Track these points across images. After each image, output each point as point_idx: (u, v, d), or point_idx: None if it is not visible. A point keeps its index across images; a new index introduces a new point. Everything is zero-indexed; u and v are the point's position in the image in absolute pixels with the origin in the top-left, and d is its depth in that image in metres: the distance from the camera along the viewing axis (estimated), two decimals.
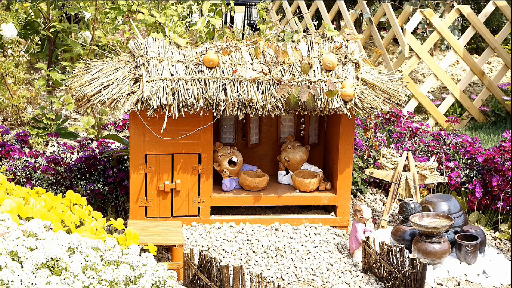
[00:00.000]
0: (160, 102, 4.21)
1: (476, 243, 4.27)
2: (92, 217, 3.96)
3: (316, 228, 4.59)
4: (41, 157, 5.20)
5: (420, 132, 5.90)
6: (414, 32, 8.82)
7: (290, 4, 9.47)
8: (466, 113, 7.49)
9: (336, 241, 4.46)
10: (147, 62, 4.35)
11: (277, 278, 4.12)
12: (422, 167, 4.82)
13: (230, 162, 4.68)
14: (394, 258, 3.98)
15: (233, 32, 5.24)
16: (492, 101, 7.51)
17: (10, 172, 4.92)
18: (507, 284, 4.16)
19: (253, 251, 4.32)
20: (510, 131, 5.15)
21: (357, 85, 4.40)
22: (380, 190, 5.36)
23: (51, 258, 3.01)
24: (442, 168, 5.16)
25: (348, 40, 4.60)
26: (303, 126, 4.99)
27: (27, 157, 5.21)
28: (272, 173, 4.94)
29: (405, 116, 6.23)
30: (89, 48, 6.28)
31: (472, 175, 5.06)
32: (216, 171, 4.69)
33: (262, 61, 4.44)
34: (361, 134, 5.81)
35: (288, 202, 4.68)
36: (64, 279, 2.93)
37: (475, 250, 4.26)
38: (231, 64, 4.40)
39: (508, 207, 4.86)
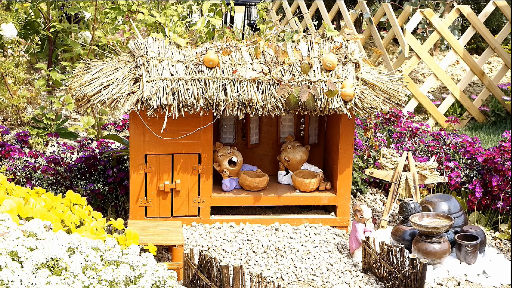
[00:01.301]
0: (160, 102, 4.21)
1: (476, 243, 4.27)
2: (92, 217, 3.96)
3: (316, 228, 4.59)
4: (41, 157, 5.20)
5: (420, 132, 5.90)
6: (414, 32, 8.82)
7: (290, 4, 9.47)
8: (466, 113, 7.49)
9: (336, 241, 4.46)
10: (147, 62, 4.35)
11: (277, 278, 4.12)
12: (422, 167, 4.82)
13: (230, 162, 4.68)
14: (394, 258, 3.98)
15: (233, 32, 5.24)
16: (492, 101, 7.51)
17: (10, 172, 4.92)
18: (507, 284, 4.16)
19: (253, 251, 4.32)
20: (510, 131, 5.15)
21: (357, 85, 4.40)
22: (380, 190, 5.36)
23: (51, 258, 3.01)
24: (442, 168, 5.16)
25: (348, 40, 4.60)
26: (303, 126, 4.99)
27: (27, 157, 5.21)
28: (272, 173, 4.94)
29: (405, 116, 6.23)
30: (89, 48, 6.28)
31: (472, 175, 5.06)
32: (216, 171, 4.69)
33: (262, 61, 4.44)
34: (361, 134, 5.81)
35: (288, 202, 4.68)
36: (64, 279, 2.93)
37: (475, 250, 4.26)
38: (231, 64, 4.40)
39: (508, 207, 4.86)
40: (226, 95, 4.30)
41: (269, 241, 4.40)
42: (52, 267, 3.01)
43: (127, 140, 5.13)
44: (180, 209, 4.56)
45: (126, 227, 4.25)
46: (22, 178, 4.91)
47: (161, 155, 4.48)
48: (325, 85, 4.35)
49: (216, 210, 4.67)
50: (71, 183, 4.91)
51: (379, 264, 4.07)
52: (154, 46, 4.44)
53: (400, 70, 7.52)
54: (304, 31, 5.89)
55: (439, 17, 8.48)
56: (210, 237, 4.42)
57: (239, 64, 4.40)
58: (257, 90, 4.32)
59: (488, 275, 4.23)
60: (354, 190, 5.24)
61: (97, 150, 5.36)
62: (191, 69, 4.36)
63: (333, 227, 4.66)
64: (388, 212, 4.78)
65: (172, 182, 4.50)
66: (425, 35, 8.79)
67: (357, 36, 4.61)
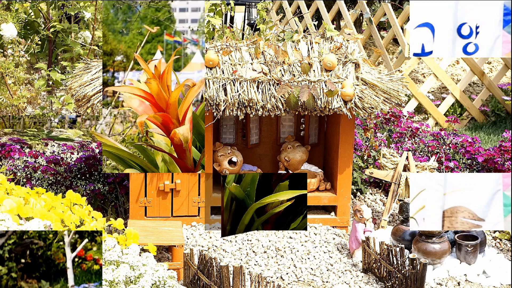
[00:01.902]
0: None
1: (476, 243, 4.27)
2: (92, 217, 3.96)
3: (316, 228, 4.59)
4: (41, 157, 5.20)
5: (420, 132, 5.90)
6: None
7: (290, 4, 9.47)
8: (466, 113, 7.49)
9: (336, 241, 4.46)
10: None
11: (277, 278, 4.12)
12: (422, 167, 4.82)
13: (230, 162, 4.68)
14: (394, 258, 3.98)
15: (233, 32, 5.24)
16: (492, 101, 7.51)
17: (10, 172, 4.92)
18: (507, 284, 4.16)
19: (253, 251, 4.32)
20: (510, 131, 5.15)
21: (357, 85, 4.40)
22: (380, 190, 5.36)
23: None
24: (442, 168, 5.16)
25: (348, 40, 4.60)
26: (303, 126, 4.99)
27: (27, 157, 5.21)
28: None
29: (405, 116, 6.23)
30: (89, 48, 6.28)
31: None
32: (216, 171, 4.69)
33: (262, 61, 4.44)
34: (361, 134, 5.81)
35: None
36: None
37: (475, 250, 4.26)
38: (231, 64, 4.40)
39: None
40: (226, 95, 4.30)
41: (269, 241, 4.40)
42: None
43: None
44: (180, 209, 4.55)
45: (126, 227, 4.25)
46: (22, 178, 4.91)
47: None
48: (325, 85, 4.35)
49: (216, 210, 4.67)
50: (71, 183, 4.91)
51: (379, 264, 4.07)
52: None
53: (400, 70, 7.52)
54: (304, 31, 5.90)
55: None
56: (210, 237, 4.42)
57: (239, 64, 4.40)
58: (257, 90, 4.32)
59: (488, 275, 4.23)
60: (354, 190, 5.24)
61: (97, 150, 5.36)
62: None
63: (333, 227, 4.66)
64: (388, 212, 4.78)
65: (172, 182, 4.50)
66: None
67: (357, 36, 4.61)
